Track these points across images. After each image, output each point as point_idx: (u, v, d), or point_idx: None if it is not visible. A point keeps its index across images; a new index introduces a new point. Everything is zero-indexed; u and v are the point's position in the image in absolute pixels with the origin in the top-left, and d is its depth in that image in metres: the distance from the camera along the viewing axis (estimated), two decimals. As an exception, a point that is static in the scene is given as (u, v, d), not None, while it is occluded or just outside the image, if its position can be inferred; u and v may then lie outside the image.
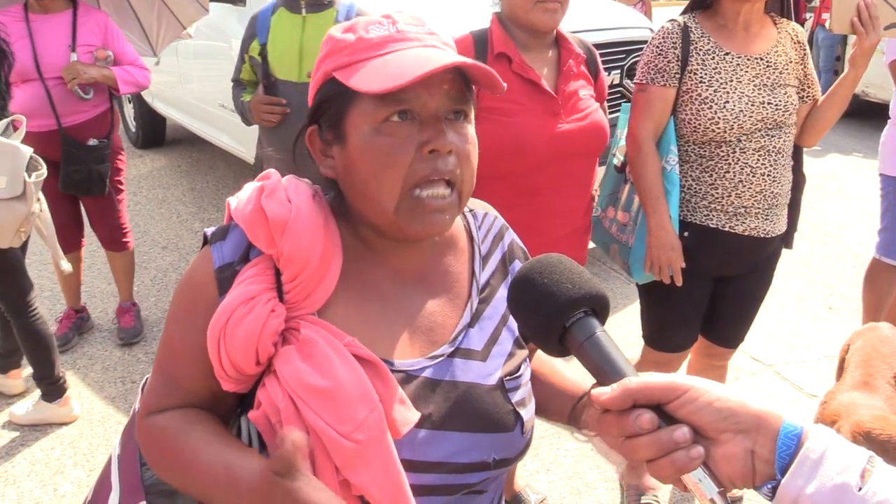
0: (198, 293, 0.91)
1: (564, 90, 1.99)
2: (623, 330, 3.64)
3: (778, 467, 0.62)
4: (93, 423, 2.95)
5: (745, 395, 0.66)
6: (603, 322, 0.72)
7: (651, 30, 4.17)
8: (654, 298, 2.31)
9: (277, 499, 0.79)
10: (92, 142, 3.21)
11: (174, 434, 0.92)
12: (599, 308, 0.73)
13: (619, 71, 3.83)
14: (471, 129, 0.91)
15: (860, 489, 0.59)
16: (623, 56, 3.85)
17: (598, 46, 2.26)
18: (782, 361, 3.43)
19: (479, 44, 1.99)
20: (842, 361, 2.42)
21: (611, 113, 3.79)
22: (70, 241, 3.44)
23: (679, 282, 2.14)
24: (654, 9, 7.66)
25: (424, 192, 0.86)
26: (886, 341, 2.34)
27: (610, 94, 3.38)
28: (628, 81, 3.88)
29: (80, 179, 3.21)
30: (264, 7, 2.82)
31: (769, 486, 0.63)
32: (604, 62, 2.22)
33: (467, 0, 3.51)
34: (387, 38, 0.87)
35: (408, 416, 0.86)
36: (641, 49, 3.94)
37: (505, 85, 0.90)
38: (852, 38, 2.11)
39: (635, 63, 3.89)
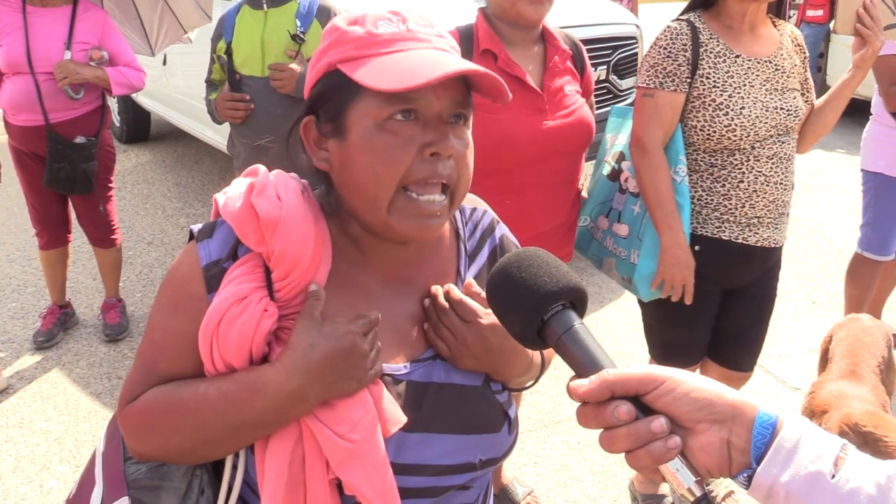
0: (184, 289, 0.90)
1: (550, 86, 1.99)
2: (609, 325, 3.66)
3: (753, 456, 0.63)
4: (78, 419, 2.94)
5: (722, 386, 0.67)
6: (581, 315, 0.73)
7: (637, 26, 4.17)
8: (664, 318, 2.19)
9: (317, 349, 0.82)
10: (79, 139, 3.15)
11: (166, 395, 0.88)
12: (578, 301, 0.73)
13: (605, 66, 3.83)
14: (469, 134, 0.90)
15: (833, 477, 0.60)
16: (609, 52, 3.86)
17: (584, 42, 2.25)
18: (766, 355, 3.44)
19: (465, 40, 1.99)
20: (824, 353, 2.45)
21: (597, 110, 3.82)
22: (57, 236, 3.41)
23: (690, 300, 2.02)
24: (640, 5, 7.68)
25: (421, 197, 0.85)
26: (869, 331, 2.38)
27: (596, 89, 3.39)
28: (615, 77, 3.89)
29: (65, 177, 3.16)
30: (231, 7, 2.83)
31: (745, 475, 0.64)
32: (590, 58, 2.22)
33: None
34: (397, 36, 0.85)
35: (397, 415, 0.87)
36: (628, 45, 3.97)
37: (510, 95, 0.89)
38: (835, 36, 2.12)
39: (622, 59, 3.91)
